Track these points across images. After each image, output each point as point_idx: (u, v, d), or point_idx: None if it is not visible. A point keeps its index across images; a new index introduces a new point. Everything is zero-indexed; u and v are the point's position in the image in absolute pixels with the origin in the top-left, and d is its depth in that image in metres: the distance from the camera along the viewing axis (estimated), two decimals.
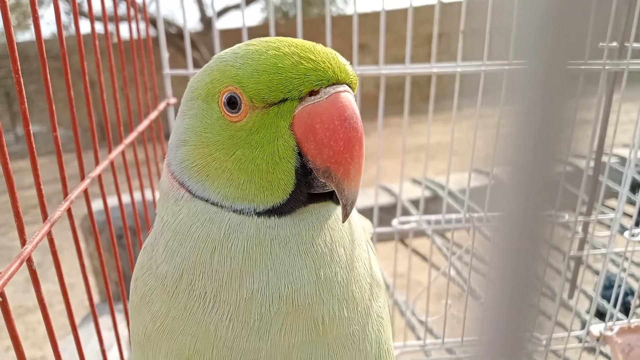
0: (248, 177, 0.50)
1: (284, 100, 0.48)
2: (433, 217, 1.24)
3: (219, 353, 0.49)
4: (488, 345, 0.20)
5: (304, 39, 1.05)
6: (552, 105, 0.17)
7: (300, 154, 0.49)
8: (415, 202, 2.16)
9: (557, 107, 0.17)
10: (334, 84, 0.48)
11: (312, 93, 0.48)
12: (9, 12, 0.49)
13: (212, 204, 0.51)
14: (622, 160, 2.18)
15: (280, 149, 0.48)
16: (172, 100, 1.13)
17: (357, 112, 0.48)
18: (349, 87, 0.50)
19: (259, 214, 0.50)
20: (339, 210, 0.53)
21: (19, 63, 0.49)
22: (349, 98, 0.48)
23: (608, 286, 1.51)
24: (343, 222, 0.50)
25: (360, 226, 0.58)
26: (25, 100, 0.50)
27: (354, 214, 0.57)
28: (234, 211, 0.50)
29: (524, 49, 0.17)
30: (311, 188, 0.50)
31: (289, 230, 0.50)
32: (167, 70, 1.10)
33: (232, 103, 0.49)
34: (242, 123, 0.49)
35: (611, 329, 1.22)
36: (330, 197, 0.51)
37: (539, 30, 0.17)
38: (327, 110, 0.47)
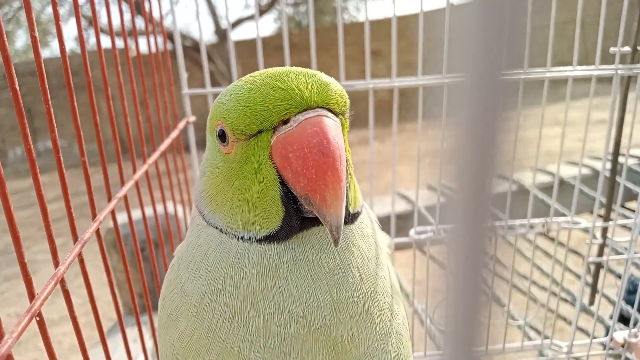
0: (246, 207, 0.51)
1: (260, 132, 0.49)
2: (448, 226, 1.23)
3: None
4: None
5: (317, 47, 1.05)
6: (488, 118, 0.17)
7: (282, 182, 0.49)
8: (432, 209, 2.15)
9: (494, 119, 0.17)
10: (304, 110, 0.48)
11: (285, 122, 0.48)
12: (26, 31, 0.51)
13: (221, 231, 0.53)
14: None
15: (265, 178, 0.50)
16: (192, 119, 1.16)
17: (331, 135, 0.47)
18: (329, 109, 0.49)
19: (259, 241, 0.51)
20: (349, 230, 0.53)
21: (49, 94, 0.51)
22: (321, 122, 0.47)
23: (632, 291, 1.48)
24: (335, 246, 0.48)
25: (379, 242, 0.58)
26: (57, 134, 0.52)
27: (372, 231, 0.56)
28: (238, 238, 0.52)
29: (459, 60, 0.17)
30: (301, 213, 0.50)
31: (294, 254, 0.50)
32: (185, 90, 1.12)
33: (222, 136, 0.52)
34: (233, 155, 0.51)
35: (636, 336, 1.19)
36: None
37: (473, 41, 0.16)
38: (296, 138, 0.47)
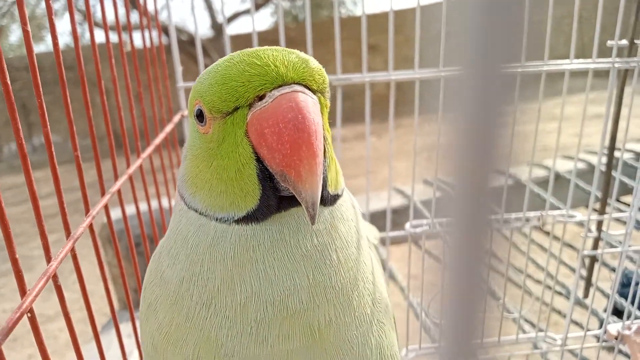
0: (224, 186, 0.51)
1: (237, 109, 0.49)
2: (445, 219, 1.23)
3: None
4: (445, 352, 0.20)
5: (314, 41, 1.05)
6: (486, 112, 0.17)
7: (259, 159, 0.49)
8: (428, 203, 2.15)
9: (491, 113, 0.17)
10: (280, 86, 0.48)
11: (260, 98, 0.48)
12: (26, 25, 0.50)
13: (201, 214, 0.53)
14: (637, 156, 2.14)
15: (241, 156, 0.49)
16: (186, 112, 1.15)
17: (306, 110, 0.46)
18: (306, 85, 0.49)
19: (237, 222, 0.51)
20: (328, 212, 0.52)
21: (41, 88, 0.50)
22: (296, 98, 0.47)
23: (626, 284, 1.49)
24: (312, 224, 0.47)
25: (361, 228, 0.57)
26: (49, 129, 0.51)
27: (355, 219, 0.56)
28: (217, 220, 0.52)
29: (457, 54, 0.17)
30: (279, 192, 0.49)
31: (272, 236, 0.50)
32: (180, 84, 1.12)
33: (199, 116, 0.52)
34: (210, 134, 0.51)
35: (629, 328, 1.20)
36: None
37: (470, 34, 0.16)
38: (272, 114, 0.47)
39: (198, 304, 0.50)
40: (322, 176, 0.46)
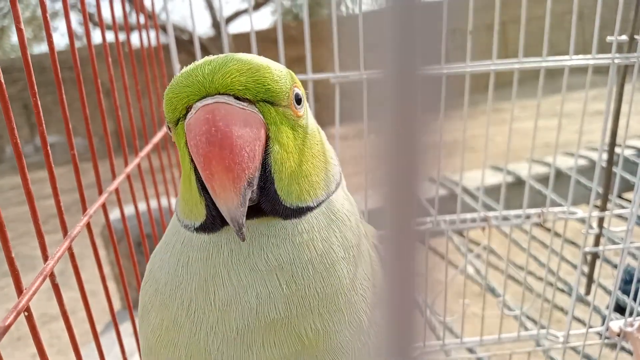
0: (186, 194, 0.52)
1: (179, 120, 0.50)
2: (447, 217, 1.23)
3: None
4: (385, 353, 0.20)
5: (315, 40, 1.05)
6: (407, 118, 0.16)
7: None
8: (431, 200, 2.14)
9: (414, 119, 0.16)
10: (204, 97, 0.47)
11: (189, 109, 0.48)
12: (24, 26, 0.50)
13: (178, 219, 0.55)
14: (638, 152, 2.14)
15: (186, 166, 0.50)
16: None
17: (222, 122, 0.45)
18: (236, 95, 0.47)
19: (197, 230, 0.51)
20: (293, 226, 0.50)
21: (36, 88, 0.50)
22: (215, 109, 0.46)
23: (628, 280, 1.48)
24: (241, 240, 0.46)
25: (358, 236, 0.55)
26: (44, 127, 0.51)
27: (348, 225, 0.53)
28: (184, 227, 0.53)
29: (377, 56, 0.16)
30: None
31: (228, 246, 0.50)
32: None
33: (167, 125, 0.53)
34: (177, 143, 0.53)
35: (631, 325, 1.20)
36: (265, 211, 0.50)
37: (390, 36, 0.16)
38: (192, 126, 0.46)
39: (181, 307, 0.51)
40: (242, 192, 0.45)
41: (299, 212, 0.51)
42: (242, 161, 0.45)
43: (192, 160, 0.48)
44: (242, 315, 0.48)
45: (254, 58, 0.50)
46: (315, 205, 0.52)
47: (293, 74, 0.55)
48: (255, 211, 0.49)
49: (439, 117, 0.16)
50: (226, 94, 0.47)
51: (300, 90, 0.54)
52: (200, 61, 0.50)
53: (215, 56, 0.51)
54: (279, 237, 0.50)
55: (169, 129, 0.53)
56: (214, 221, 0.50)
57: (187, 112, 0.48)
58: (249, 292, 0.48)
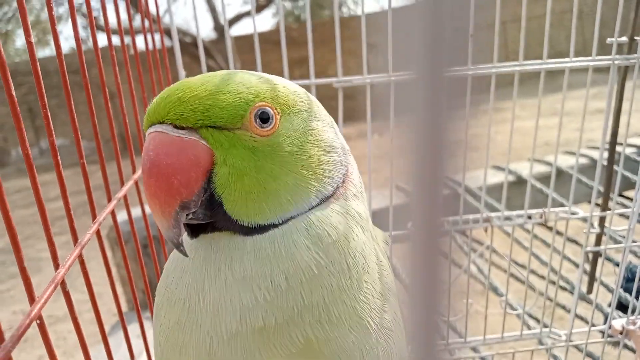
0: None
1: None
2: (450, 218, 1.24)
3: None
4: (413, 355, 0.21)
5: (315, 42, 1.06)
6: (434, 117, 0.17)
7: None
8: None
9: (440, 118, 0.17)
10: (152, 124, 0.51)
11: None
12: (30, 29, 0.51)
13: None
14: (639, 150, 2.14)
15: None
16: None
17: (155, 152, 0.48)
18: (176, 125, 0.50)
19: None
20: (256, 242, 0.52)
21: (46, 100, 0.52)
22: (154, 139, 0.49)
23: (630, 278, 1.49)
24: (185, 256, 0.52)
25: (354, 245, 0.54)
26: (55, 137, 0.53)
27: (329, 234, 0.53)
28: None
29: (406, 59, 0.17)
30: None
31: (201, 255, 0.53)
32: None
33: None
34: None
35: (634, 323, 1.20)
36: (235, 227, 0.52)
37: (417, 39, 0.17)
38: (143, 152, 0.50)
39: (181, 305, 0.52)
40: (172, 216, 0.48)
41: (261, 228, 0.52)
42: (170, 188, 0.48)
43: None
44: (230, 320, 0.49)
45: (207, 83, 0.51)
46: (282, 221, 0.52)
47: (280, 87, 0.55)
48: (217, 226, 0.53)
49: (464, 117, 0.17)
50: (165, 123, 0.50)
51: (275, 107, 0.53)
52: (170, 87, 0.53)
53: (184, 80, 0.53)
54: (241, 250, 0.51)
55: None
56: (182, 232, 0.52)
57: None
58: (232, 297, 0.50)
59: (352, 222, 0.56)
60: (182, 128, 0.50)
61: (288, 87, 0.56)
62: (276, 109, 0.53)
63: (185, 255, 0.50)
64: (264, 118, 0.52)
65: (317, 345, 0.50)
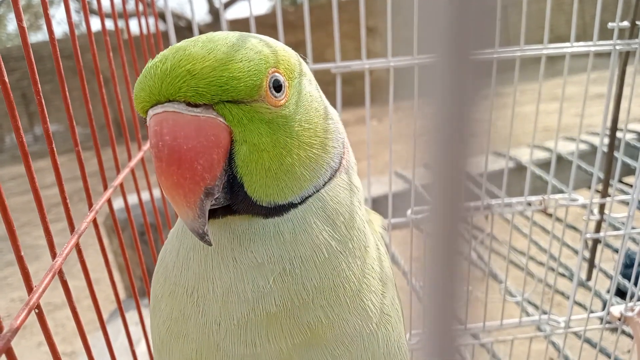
0: None
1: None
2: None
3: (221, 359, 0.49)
4: (427, 339, 0.21)
5: (313, 25, 1.04)
6: (459, 99, 0.16)
7: None
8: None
9: (465, 100, 0.16)
10: (155, 104, 0.45)
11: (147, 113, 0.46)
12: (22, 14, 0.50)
13: None
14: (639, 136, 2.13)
15: None
16: None
17: (170, 136, 0.43)
18: (188, 102, 0.44)
19: None
20: (275, 224, 0.49)
21: (39, 86, 0.50)
22: (163, 122, 0.43)
23: (629, 264, 1.49)
24: (209, 245, 0.46)
25: (359, 228, 0.54)
26: (49, 125, 0.51)
27: (341, 212, 0.52)
28: None
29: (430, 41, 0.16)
30: None
31: (217, 239, 0.49)
32: None
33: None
34: None
35: (632, 309, 1.21)
36: (250, 210, 0.49)
37: (442, 21, 0.16)
38: (150, 135, 0.45)
39: (186, 295, 0.50)
40: (197, 204, 0.44)
41: (281, 209, 0.49)
42: (194, 175, 0.43)
43: None
44: (240, 306, 0.48)
45: (214, 50, 0.45)
46: (300, 200, 0.50)
47: (279, 50, 0.50)
48: (233, 209, 0.49)
49: (489, 99, 0.17)
50: (176, 101, 0.44)
51: (283, 73, 0.49)
52: (160, 55, 0.46)
53: (176, 48, 0.46)
54: (260, 235, 0.49)
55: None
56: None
57: (144, 116, 0.47)
58: (244, 284, 0.48)
59: (354, 199, 0.54)
60: (196, 105, 0.44)
61: (285, 49, 0.52)
62: (284, 75, 0.49)
63: (210, 244, 0.46)
64: (277, 86, 0.47)
65: (322, 330, 0.49)
